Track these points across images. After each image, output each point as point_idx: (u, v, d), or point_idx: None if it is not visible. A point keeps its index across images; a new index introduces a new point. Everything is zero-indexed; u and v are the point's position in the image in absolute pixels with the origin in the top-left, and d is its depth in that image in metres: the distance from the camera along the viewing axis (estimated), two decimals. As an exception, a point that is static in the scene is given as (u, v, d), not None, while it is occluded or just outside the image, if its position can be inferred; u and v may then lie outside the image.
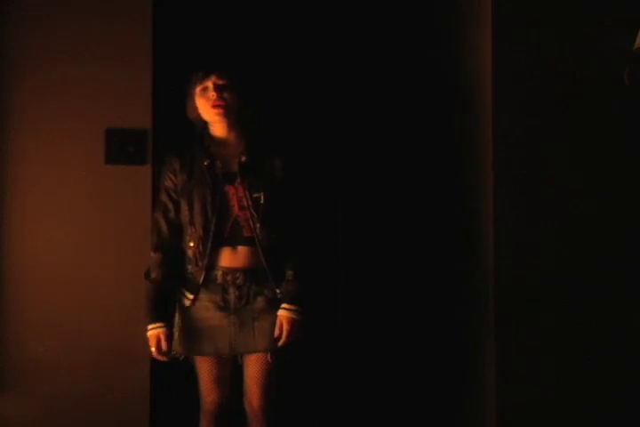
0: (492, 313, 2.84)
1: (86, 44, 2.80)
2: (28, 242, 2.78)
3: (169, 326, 2.46)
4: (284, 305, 2.43)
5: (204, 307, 2.47)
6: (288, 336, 2.41)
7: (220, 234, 2.45)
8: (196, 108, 2.50)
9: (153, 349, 2.44)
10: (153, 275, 2.49)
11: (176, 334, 2.50)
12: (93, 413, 2.79)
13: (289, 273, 2.46)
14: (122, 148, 2.80)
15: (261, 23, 3.22)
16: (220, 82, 2.46)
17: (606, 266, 2.88)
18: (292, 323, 2.41)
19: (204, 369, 2.50)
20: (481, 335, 2.93)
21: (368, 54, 3.32)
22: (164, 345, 2.43)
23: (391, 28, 3.34)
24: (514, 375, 2.85)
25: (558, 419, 2.87)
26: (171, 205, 2.50)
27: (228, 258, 2.46)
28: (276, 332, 2.42)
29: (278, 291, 2.45)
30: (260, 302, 2.45)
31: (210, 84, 2.46)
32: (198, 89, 2.48)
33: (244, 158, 2.48)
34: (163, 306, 2.49)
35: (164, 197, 2.52)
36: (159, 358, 2.46)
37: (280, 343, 2.41)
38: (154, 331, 2.44)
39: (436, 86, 3.27)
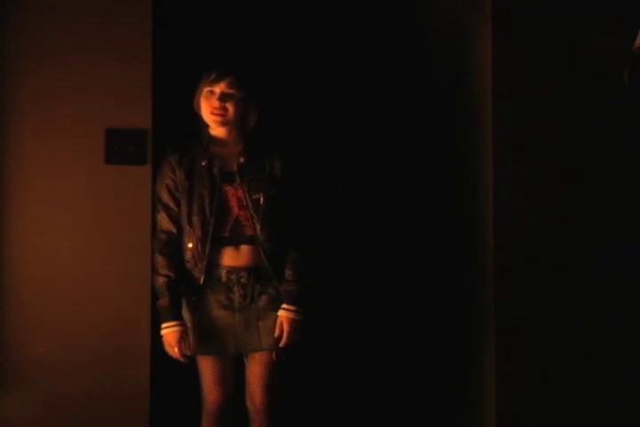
0: (492, 313, 2.84)
1: (86, 44, 2.80)
2: (28, 242, 2.77)
3: (184, 324, 2.45)
4: (283, 306, 2.44)
5: (208, 306, 2.47)
6: (288, 337, 2.41)
7: (221, 234, 2.45)
8: (200, 106, 2.50)
9: (174, 349, 2.42)
10: (163, 272, 2.46)
11: None
12: (93, 413, 2.79)
13: (288, 273, 2.46)
14: (122, 148, 2.80)
15: (262, 23, 3.22)
16: (229, 91, 2.44)
17: (606, 266, 2.88)
18: (292, 323, 2.42)
19: (207, 368, 2.49)
20: (481, 335, 2.93)
21: (367, 54, 3.32)
22: (184, 345, 2.42)
23: (391, 28, 3.34)
24: (514, 375, 2.85)
25: (558, 419, 2.87)
26: (172, 204, 2.49)
27: (232, 257, 2.46)
28: (277, 332, 2.42)
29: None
30: (264, 300, 2.46)
31: (217, 89, 2.44)
32: (205, 90, 2.47)
33: (242, 159, 2.47)
34: (177, 304, 2.47)
35: (164, 197, 2.50)
36: (180, 358, 2.45)
37: (281, 344, 2.41)
38: (170, 330, 2.43)
39: (436, 86, 3.27)
